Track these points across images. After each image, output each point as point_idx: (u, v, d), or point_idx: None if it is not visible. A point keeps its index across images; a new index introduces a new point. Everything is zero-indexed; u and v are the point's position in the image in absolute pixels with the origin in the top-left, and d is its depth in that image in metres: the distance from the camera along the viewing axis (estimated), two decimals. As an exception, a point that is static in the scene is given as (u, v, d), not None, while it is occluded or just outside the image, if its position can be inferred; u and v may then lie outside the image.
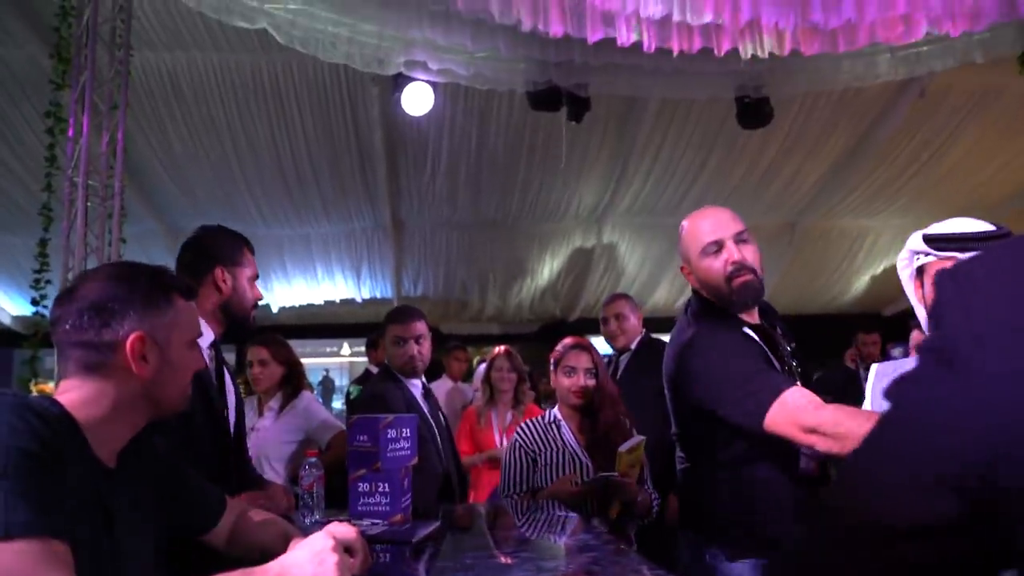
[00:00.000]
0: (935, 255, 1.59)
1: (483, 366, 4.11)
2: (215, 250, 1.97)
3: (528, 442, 2.52)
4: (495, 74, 5.40)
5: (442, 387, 4.94)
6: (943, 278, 0.61)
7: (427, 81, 5.44)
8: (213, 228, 2.04)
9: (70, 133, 4.20)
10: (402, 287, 9.38)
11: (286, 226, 8.26)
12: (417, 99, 5.67)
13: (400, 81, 5.46)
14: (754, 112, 5.93)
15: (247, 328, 1.99)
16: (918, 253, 1.64)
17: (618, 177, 7.94)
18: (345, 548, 1.14)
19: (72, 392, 1.12)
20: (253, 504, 1.62)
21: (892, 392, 0.63)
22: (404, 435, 1.76)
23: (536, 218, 8.57)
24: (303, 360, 3.56)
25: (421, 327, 2.70)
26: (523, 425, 2.57)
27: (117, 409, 1.13)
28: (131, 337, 1.12)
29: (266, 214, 7.96)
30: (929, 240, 1.61)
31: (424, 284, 9.43)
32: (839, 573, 0.63)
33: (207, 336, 1.88)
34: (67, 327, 1.14)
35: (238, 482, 1.91)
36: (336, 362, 10.64)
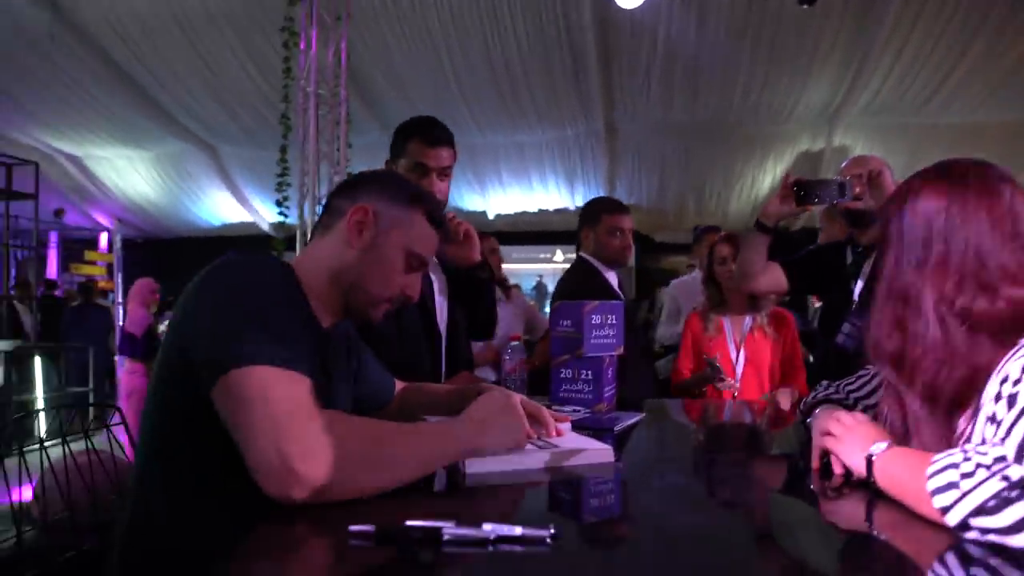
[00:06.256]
0: None
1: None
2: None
3: None
4: (716, -44, 4.97)
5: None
6: None
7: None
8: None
9: (302, 46, 4.49)
10: (615, 195, 9.26)
11: (500, 134, 8.38)
12: (631, -9, 5.38)
13: (613, -27, 5.21)
14: (1035, -20, 4.97)
15: None
16: None
17: (855, 71, 7.11)
18: (529, 414, 1.12)
19: (304, 252, 1.23)
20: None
21: None
22: (610, 322, 1.70)
23: (759, 120, 7.96)
24: (517, 266, 3.59)
25: (630, 221, 2.64)
26: None
27: (328, 277, 1.17)
28: (357, 203, 1.17)
29: (481, 123, 8.12)
30: None
31: (638, 192, 9.22)
32: None
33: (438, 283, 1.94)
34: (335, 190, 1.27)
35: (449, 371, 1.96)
36: (550, 268, 10.82)
